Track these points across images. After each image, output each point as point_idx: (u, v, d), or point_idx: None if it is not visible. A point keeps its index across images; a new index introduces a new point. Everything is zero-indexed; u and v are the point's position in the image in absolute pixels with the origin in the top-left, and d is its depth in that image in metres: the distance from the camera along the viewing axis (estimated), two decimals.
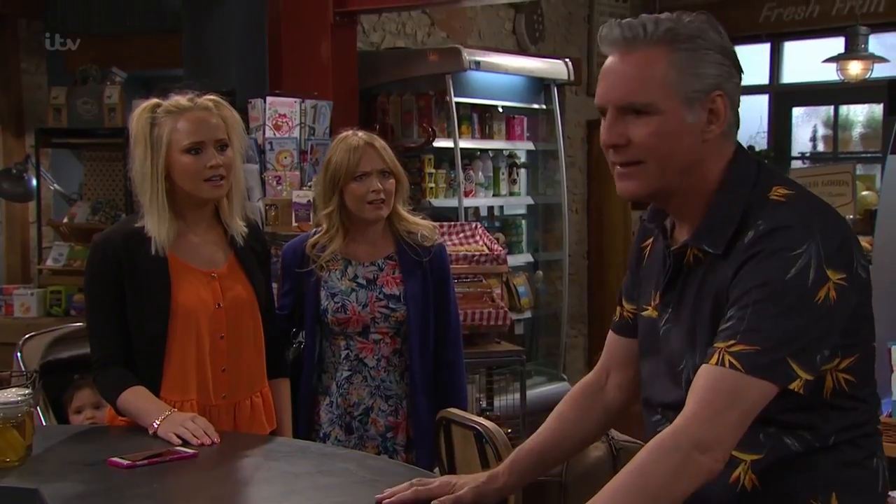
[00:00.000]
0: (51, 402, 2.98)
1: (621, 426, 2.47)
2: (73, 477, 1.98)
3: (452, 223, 4.82)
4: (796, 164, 7.65)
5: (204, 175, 2.40)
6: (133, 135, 2.43)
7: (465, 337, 3.37)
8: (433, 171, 5.46)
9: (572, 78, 6.06)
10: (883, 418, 2.78)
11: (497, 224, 6.10)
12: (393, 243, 2.93)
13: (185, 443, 2.18)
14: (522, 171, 6.10)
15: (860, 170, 6.23)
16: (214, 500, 1.95)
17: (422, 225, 2.95)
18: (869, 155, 7.45)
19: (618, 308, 1.80)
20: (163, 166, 2.39)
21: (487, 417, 3.28)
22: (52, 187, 5.58)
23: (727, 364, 1.39)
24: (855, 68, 6.29)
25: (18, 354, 2.99)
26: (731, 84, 1.50)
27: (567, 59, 6.04)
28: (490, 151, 5.90)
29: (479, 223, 4.99)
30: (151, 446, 2.16)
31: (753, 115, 7.52)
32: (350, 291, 2.87)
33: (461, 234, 4.73)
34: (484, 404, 4.54)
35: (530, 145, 6.10)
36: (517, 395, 4.63)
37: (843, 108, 7.65)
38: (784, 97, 7.62)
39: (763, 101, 7.62)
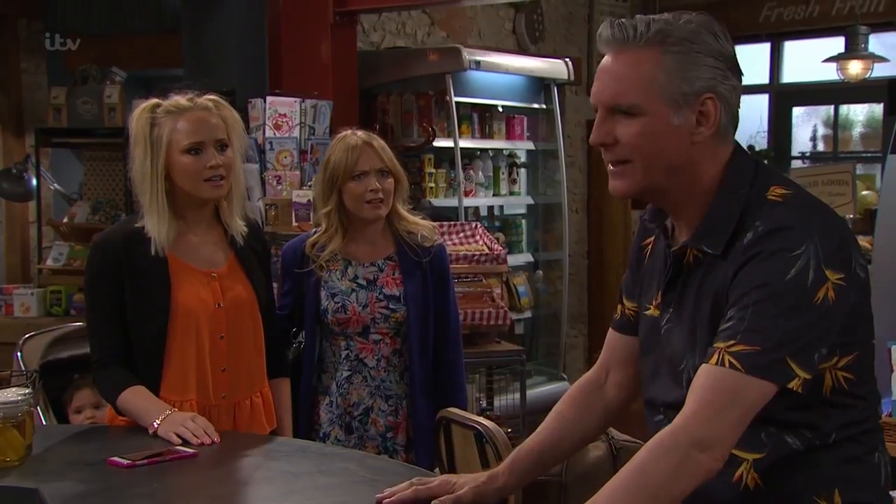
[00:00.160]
0: (51, 402, 2.98)
1: (621, 426, 2.47)
2: (72, 476, 1.98)
3: (452, 223, 4.82)
4: (796, 163, 7.65)
5: (204, 175, 2.40)
6: (133, 135, 2.43)
7: (465, 337, 3.37)
8: (433, 170, 5.46)
9: (572, 78, 6.06)
10: (883, 418, 2.78)
11: (497, 224, 6.11)
12: (393, 243, 2.93)
13: (186, 442, 2.19)
14: (522, 170, 6.10)
15: (860, 169, 6.24)
16: (214, 500, 1.95)
17: (421, 225, 2.95)
18: (869, 155, 7.45)
19: (618, 306, 1.81)
20: (163, 166, 2.39)
21: (487, 417, 3.28)
22: (52, 187, 5.58)
23: (727, 364, 1.40)
24: (855, 68, 6.29)
25: (18, 354, 2.99)
26: (724, 87, 1.50)
27: (567, 59, 6.04)
28: (490, 151, 5.90)
29: (479, 223, 4.99)
30: (151, 446, 2.16)
31: (753, 115, 7.52)
32: (350, 292, 2.87)
33: (461, 234, 4.73)
34: (484, 404, 4.54)
35: (530, 145, 6.11)
36: (517, 395, 4.64)
37: (843, 108, 7.65)
38: (784, 97, 7.62)
39: (763, 100, 7.62)
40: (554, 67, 5.95)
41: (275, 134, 4.50)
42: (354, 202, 2.85)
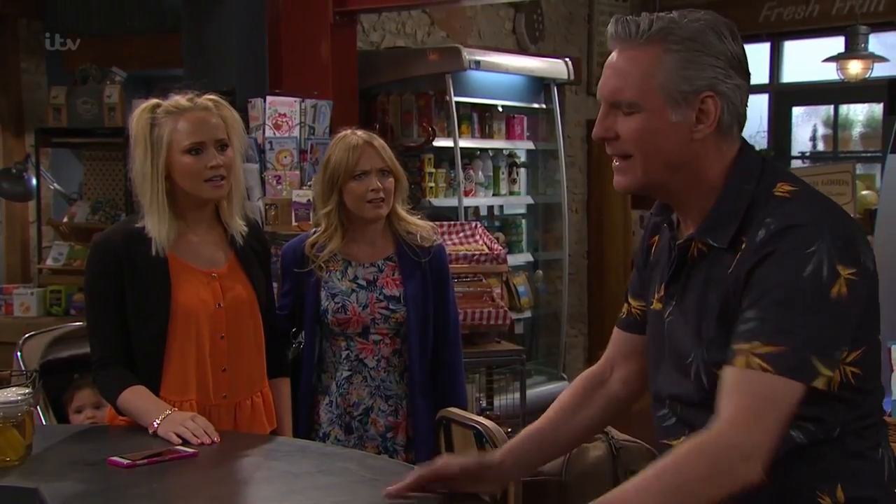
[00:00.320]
0: (51, 402, 2.98)
1: (621, 426, 2.47)
2: (72, 476, 1.98)
3: (452, 223, 4.82)
4: (796, 163, 7.65)
5: (205, 175, 2.40)
6: (133, 135, 2.42)
7: (465, 336, 3.37)
8: (433, 170, 5.46)
9: (572, 77, 6.06)
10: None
11: (497, 223, 6.11)
12: (392, 244, 2.93)
13: (185, 442, 2.18)
14: (522, 170, 6.10)
15: (860, 169, 6.23)
16: (214, 500, 1.95)
17: (421, 225, 2.95)
18: (869, 154, 7.45)
19: (625, 304, 1.83)
20: (163, 167, 2.39)
21: (487, 417, 3.28)
22: (51, 187, 5.57)
23: (756, 366, 1.41)
24: (855, 68, 6.29)
25: (18, 354, 2.99)
26: (726, 86, 1.52)
27: (567, 59, 6.04)
28: (490, 151, 5.90)
29: (478, 223, 4.99)
30: (151, 446, 2.16)
31: (753, 115, 7.45)
32: (350, 292, 2.87)
33: (461, 234, 4.73)
34: (484, 404, 4.54)
35: (530, 145, 6.11)
36: (517, 395, 4.63)
37: (843, 108, 7.66)
38: (784, 96, 7.63)
39: (763, 100, 7.62)
40: (554, 67, 5.95)
41: (275, 134, 4.50)
42: (355, 202, 2.85)
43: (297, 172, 4.47)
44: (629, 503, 1.41)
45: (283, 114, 4.54)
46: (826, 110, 7.76)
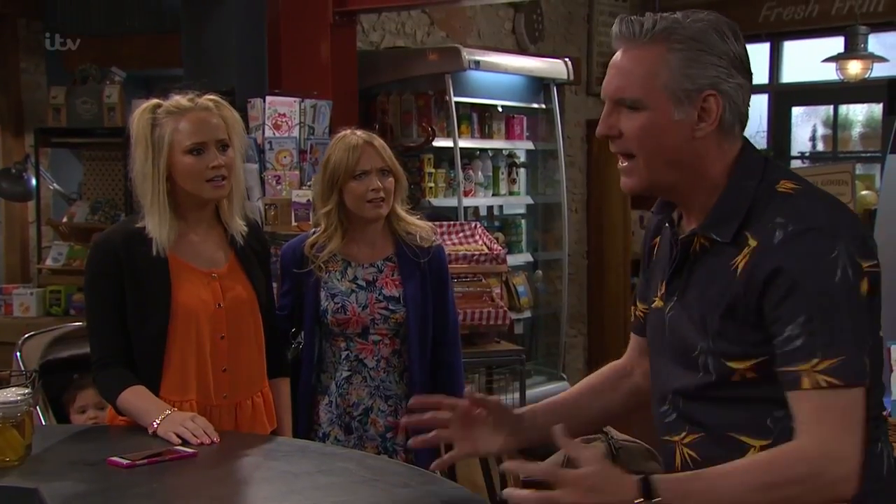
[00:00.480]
0: (50, 402, 2.98)
1: (621, 426, 2.47)
2: (72, 476, 1.98)
3: (452, 223, 4.82)
4: (796, 163, 7.65)
5: (206, 175, 2.40)
6: (134, 135, 2.42)
7: (464, 336, 3.36)
8: (433, 170, 5.46)
9: (572, 77, 6.05)
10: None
11: (497, 224, 6.10)
12: (392, 244, 2.93)
13: (185, 442, 2.19)
14: (522, 170, 6.10)
15: (860, 169, 6.23)
16: (214, 500, 1.95)
17: (420, 226, 2.95)
18: (868, 154, 7.45)
19: (632, 308, 1.87)
20: (164, 167, 2.39)
21: None
22: (51, 187, 5.57)
23: (825, 384, 1.43)
24: (854, 68, 6.29)
25: (18, 354, 2.99)
26: (728, 85, 1.55)
27: (566, 59, 6.03)
28: (489, 151, 5.90)
29: (478, 223, 4.99)
30: (151, 446, 2.16)
31: (753, 115, 7.27)
32: (350, 293, 2.87)
33: (461, 234, 4.73)
34: None
35: (530, 145, 6.10)
36: (517, 395, 4.64)
37: (843, 108, 7.65)
38: (783, 96, 7.62)
39: (762, 100, 7.61)
40: (553, 67, 5.95)
41: (274, 134, 4.49)
42: (356, 202, 2.85)
43: (297, 172, 4.47)
44: (715, 489, 1.42)
45: (282, 114, 4.53)
46: (826, 110, 7.76)
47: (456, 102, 5.34)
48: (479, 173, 5.77)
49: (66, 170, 5.74)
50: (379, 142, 2.90)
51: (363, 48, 5.61)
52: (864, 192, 5.33)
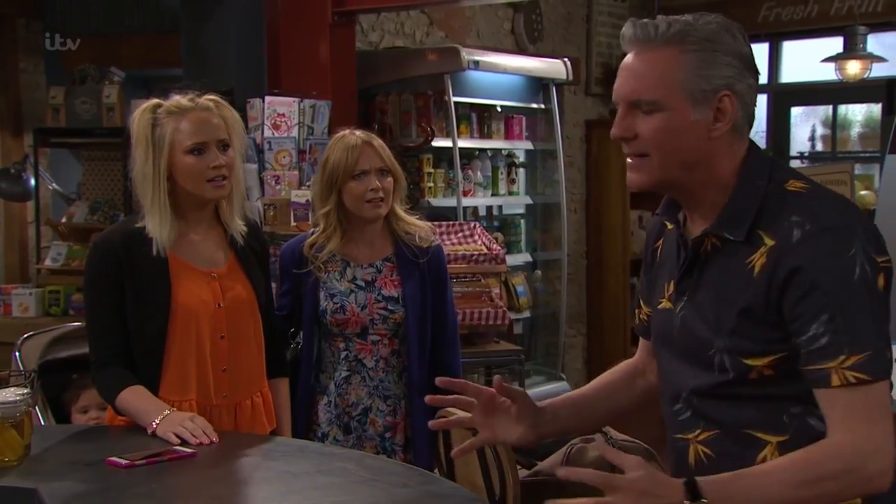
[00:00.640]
0: (49, 402, 2.98)
1: (620, 426, 2.47)
2: (71, 476, 1.98)
3: (451, 223, 4.82)
4: (795, 163, 7.64)
5: (207, 175, 2.40)
6: (134, 135, 2.42)
7: (463, 336, 3.37)
8: (432, 170, 5.46)
9: (571, 78, 6.05)
10: None
11: (496, 224, 6.10)
12: (391, 244, 2.93)
13: (184, 442, 2.19)
14: (521, 170, 6.09)
15: (859, 169, 6.23)
16: (213, 500, 1.95)
17: (419, 226, 2.95)
18: (867, 154, 7.45)
19: (636, 311, 1.89)
20: (165, 167, 2.39)
21: None
22: (50, 187, 5.57)
23: (853, 380, 1.46)
24: (853, 68, 6.29)
25: (17, 354, 2.99)
26: (741, 86, 1.57)
27: (566, 59, 6.03)
28: (489, 151, 5.90)
29: (477, 223, 4.99)
30: (150, 446, 2.16)
31: None
32: (349, 293, 2.87)
33: (460, 234, 4.73)
34: None
35: (529, 145, 6.10)
36: None
37: (842, 108, 7.65)
38: (783, 97, 7.62)
39: (761, 100, 7.62)
40: (552, 67, 5.95)
41: (273, 134, 4.49)
42: (355, 202, 2.85)
43: (296, 172, 4.47)
44: (757, 488, 1.45)
45: (281, 114, 4.53)
46: (825, 110, 7.76)
47: (455, 102, 5.34)
48: (479, 173, 5.76)
49: (65, 170, 5.73)
50: (378, 142, 2.90)
51: (362, 48, 5.61)
52: (863, 192, 5.34)
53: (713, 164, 1.59)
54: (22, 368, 2.90)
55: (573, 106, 7.04)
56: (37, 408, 2.73)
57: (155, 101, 2.45)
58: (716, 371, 1.58)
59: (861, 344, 1.46)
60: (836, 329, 1.46)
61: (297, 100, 4.60)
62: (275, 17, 5.03)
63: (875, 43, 6.43)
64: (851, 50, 6.25)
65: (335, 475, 2.00)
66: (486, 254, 4.55)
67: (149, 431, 2.26)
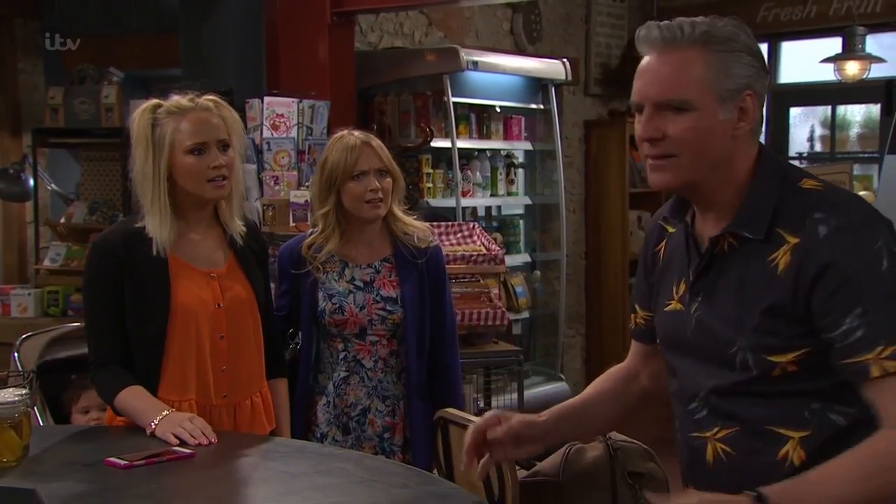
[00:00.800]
0: (48, 402, 2.98)
1: (619, 425, 2.47)
2: (70, 477, 1.98)
3: (450, 223, 4.82)
4: (793, 164, 7.64)
5: (207, 175, 2.40)
6: (134, 136, 2.42)
7: (462, 337, 3.36)
8: (431, 171, 5.46)
9: (570, 78, 6.05)
10: None
11: (495, 224, 6.10)
12: (390, 245, 2.93)
13: (183, 443, 2.19)
14: (520, 171, 6.09)
15: (857, 170, 6.24)
16: (212, 500, 1.95)
17: (417, 226, 2.95)
18: (866, 155, 7.45)
19: (632, 316, 1.90)
20: (165, 167, 2.39)
21: None
22: (49, 187, 5.56)
23: (893, 369, 1.48)
24: (852, 68, 6.29)
25: (15, 354, 2.99)
26: (759, 84, 1.61)
27: (565, 60, 6.03)
28: (488, 151, 5.90)
29: (476, 223, 4.98)
30: (149, 446, 2.16)
31: None
32: (348, 293, 2.87)
33: (459, 234, 4.73)
34: (482, 404, 4.54)
35: (528, 145, 6.10)
36: (515, 396, 4.63)
37: (841, 108, 7.65)
38: (781, 97, 7.63)
39: None
40: (551, 68, 5.95)
41: (272, 134, 4.49)
42: (354, 202, 2.85)
43: (295, 173, 4.47)
44: (823, 486, 1.46)
45: (280, 114, 4.53)
46: (823, 111, 7.76)
47: (454, 103, 5.34)
48: (478, 174, 5.76)
49: (63, 170, 5.72)
50: (376, 142, 2.90)
51: (361, 49, 5.61)
52: (861, 193, 5.33)
53: (733, 164, 1.61)
54: (20, 369, 2.90)
55: (572, 106, 7.04)
56: (35, 408, 2.72)
57: (155, 101, 2.45)
58: (737, 369, 1.58)
59: None
60: (871, 321, 1.48)
61: (295, 100, 4.60)
62: (273, 18, 5.03)
63: (874, 43, 6.43)
64: (850, 50, 6.25)
65: (334, 476, 2.00)
66: (484, 254, 4.55)
67: (147, 432, 2.26)
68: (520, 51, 6.62)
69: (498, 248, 4.75)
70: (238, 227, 2.53)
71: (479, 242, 4.68)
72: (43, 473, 2.01)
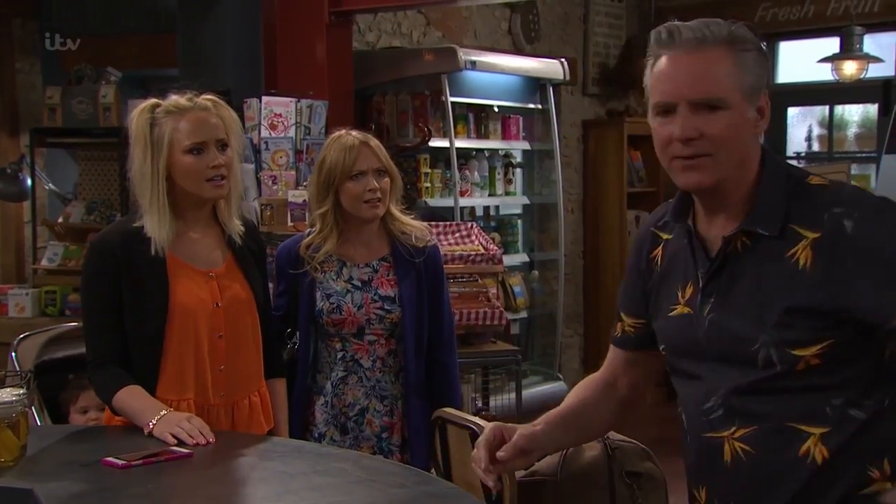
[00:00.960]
0: (46, 402, 2.97)
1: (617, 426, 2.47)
2: (68, 477, 1.98)
3: (448, 223, 4.82)
4: (791, 164, 7.65)
5: (206, 175, 2.40)
6: (133, 135, 2.42)
7: (460, 337, 3.36)
8: (429, 170, 5.46)
9: (568, 78, 6.06)
10: None
11: (493, 224, 6.11)
12: (387, 244, 2.93)
13: (181, 443, 2.18)
14: (518, 170, 6.10)
15: (855, 169, 6.25)
16: (210, 500, 1.95)
17: (415, 226, 2.95)
18: (864, 155, 7.46)
19: (618, 324, 1.90)
20: (164, 166, 2.39)
21: (483, 417, 3.27)
22: (46, 187, 5.56)
23: None
24: (850, 68, 6.29)
25: (13, 354, 2.98)
26: (769, 84, 1.65)
27: (563, 59, 6.03)
28: (486, 151, 5.90)
29: (474, 223, 4.98)
30: (147, 446, 2.16)
31: None
32: (345, 293, 2.87)
33: (457, 234, 4.73)
34: (480, 404, 4.54)
35: (526, 145, 6.11)
36: (513, 395, 4.63)
37: (838, 108, 7.66)
38: (779, 97, 7.62)
39: None
40: (549, 67, 5.95)
41: (270, 134, 4.49)
42: (352, 202, 2.85)
43: (293, 173, 4.46)
44: None
45: (278, 114, 4.53)
46: (821, 111, 7.76)
47: (452, 103, 5.34)
48: (476, 173, 5.77)
49: (61, 170, 5.72)
50: (375, 142, 2.90)
51: (359, 48, 5.61)
52: None
53: (749, 161, 1.64)
54: (18, 369, 2.89)
55: (570, 106, 7.04)
56: (33, 408, 2.72)
57: (153, 100, 2.45)
58: (760, 366, 1.59)
59: None
60: None
61: (293, 100, 4.60)
62: (271, 18, 5.03)
63: (871, 43, 6.43)
64: (848, 50, 6.25)
65: (332, 475, 2.00)
66: (482, 254, 4.55)
67: (145, 432, 2.26)
68: (518, 50, 6.62)
69: (496, 247, 4.75)
70: (236, 226, 2.53)
71: (477, 242, 4.68)
72: (40, 473, 2.00)
